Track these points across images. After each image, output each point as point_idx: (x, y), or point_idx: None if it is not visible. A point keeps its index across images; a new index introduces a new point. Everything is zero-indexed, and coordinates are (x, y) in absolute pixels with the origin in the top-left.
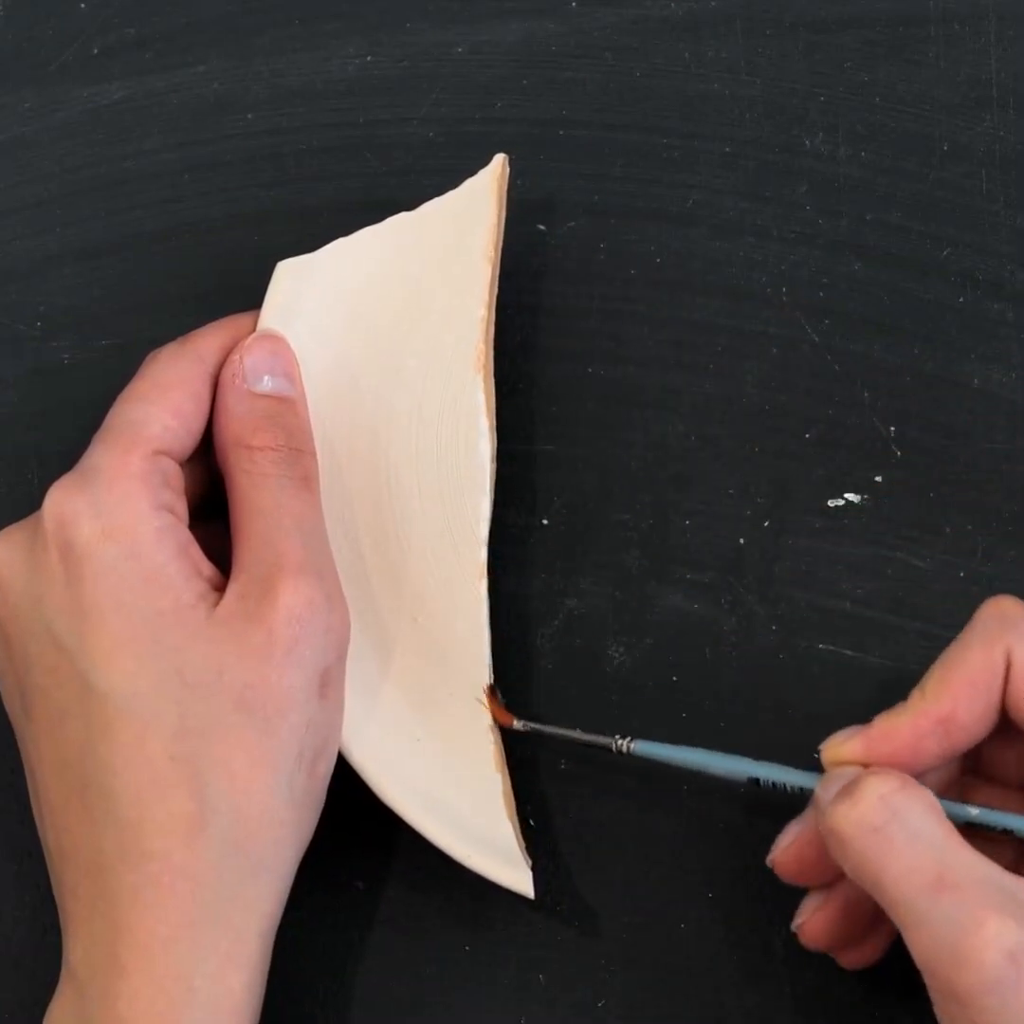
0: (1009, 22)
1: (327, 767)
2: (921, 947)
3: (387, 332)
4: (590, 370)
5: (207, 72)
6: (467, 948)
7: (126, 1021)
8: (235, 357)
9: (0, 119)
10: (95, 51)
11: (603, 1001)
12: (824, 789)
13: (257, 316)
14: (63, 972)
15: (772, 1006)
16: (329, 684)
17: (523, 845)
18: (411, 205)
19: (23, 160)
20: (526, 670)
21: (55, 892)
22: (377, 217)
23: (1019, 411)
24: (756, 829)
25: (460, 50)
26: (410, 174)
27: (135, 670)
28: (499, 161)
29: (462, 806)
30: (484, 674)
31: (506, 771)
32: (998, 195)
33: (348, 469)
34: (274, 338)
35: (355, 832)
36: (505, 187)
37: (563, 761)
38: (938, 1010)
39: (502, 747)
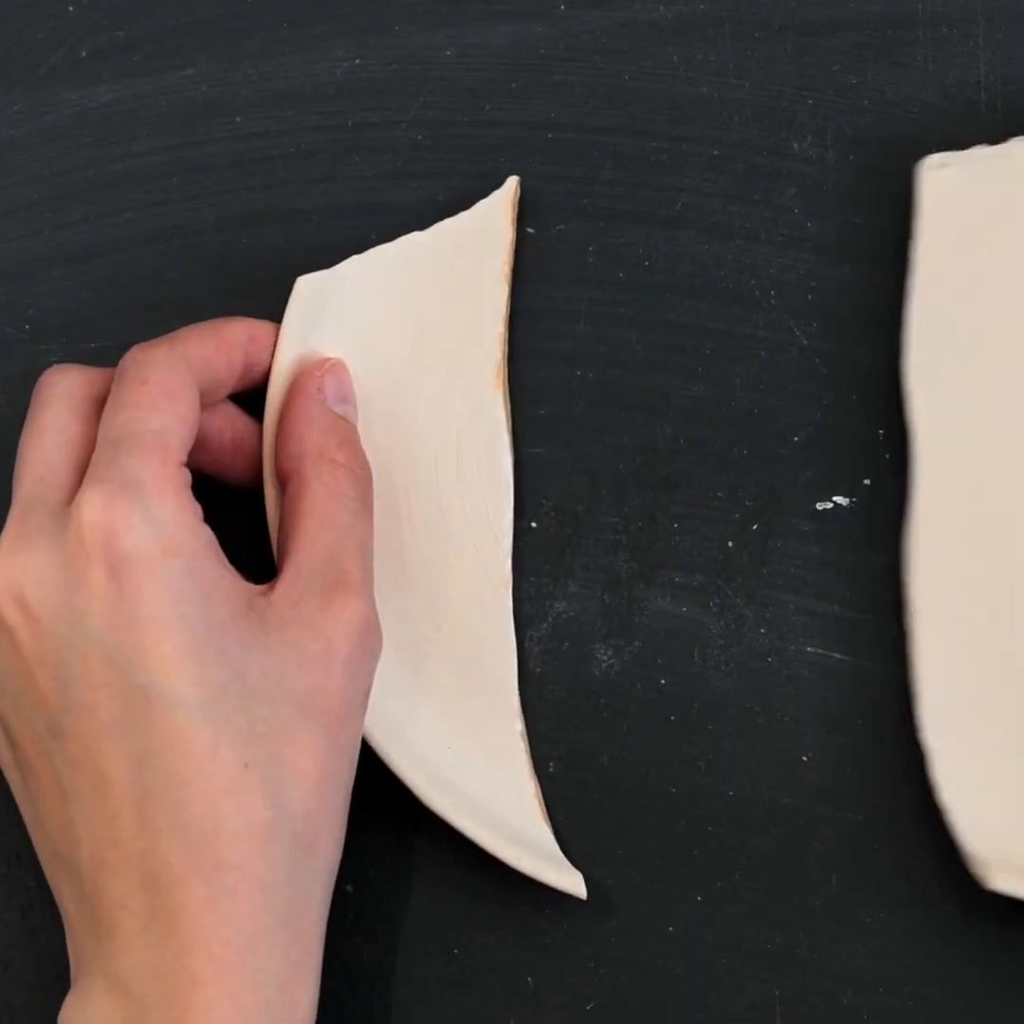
0: (997, 25)
1: None
2: None
3: (404, 349)
4: (579, 373)
5: (196, 75)
6: (456, 951)
7: None
8: (317, 372)
9: None
10: (83, 54)
11: (592, 1004)
12: None
13: (241, 323)
14: (97, 982)
15: (759, 1010)
16: (366, 705)
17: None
18: (400, 208)
19: (12, 163)
20: None
21: (86, 905)
22: (366, 220)
23: None
24: (744, 834)
25: (448, 53)
26: (399, 177)
27: (202, 678)
28: (512, 183)
29: (503, 810)
30: (512, 684)
31: (535, 777)
32: None
33: None
34: (346, 368)
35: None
36: (516, 208)
37: (552, 763)
38: None
39: (530, 753)
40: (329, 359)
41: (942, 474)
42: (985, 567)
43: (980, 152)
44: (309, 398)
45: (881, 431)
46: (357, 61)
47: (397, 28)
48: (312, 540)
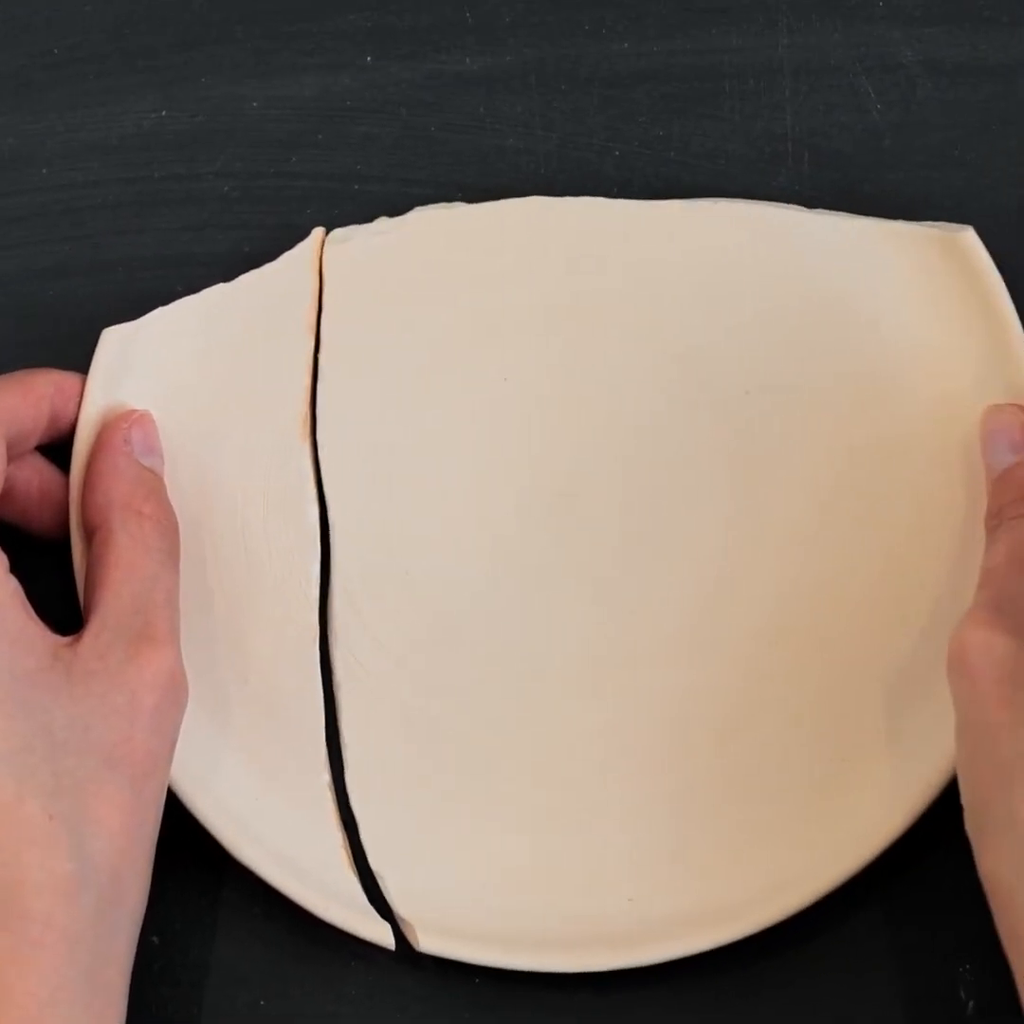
0: (803, 77)
1: None
2: None
3: (211, 400)
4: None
5: (1, 127)
6: (262, 1003)
7: None
8: (123, 424)
9: None
10: None
11: None
12: None
13: (48, 374)
14: None
15: None
16: (172, 756)
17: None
18: (206, 260)
19: None
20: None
21: None
22: (172, 272)
23: None
24: None
25: (255, 105)
26: (205, 229)
27: (8, 730)
28: (318, 235)
29: (310, 861)
30: (319, 735)
31: (342, 827)
32: None
33: None
34: (153, 420)
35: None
36: (321, 258)
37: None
38: None
39: (336, 805)
40: (135, 411)
41: (352, 539)
42: (400, 631)
43: (381, 224)
44: (115, 450)
45: None
46: (163, 113)
47: (203, 80)
48: (118, 592)
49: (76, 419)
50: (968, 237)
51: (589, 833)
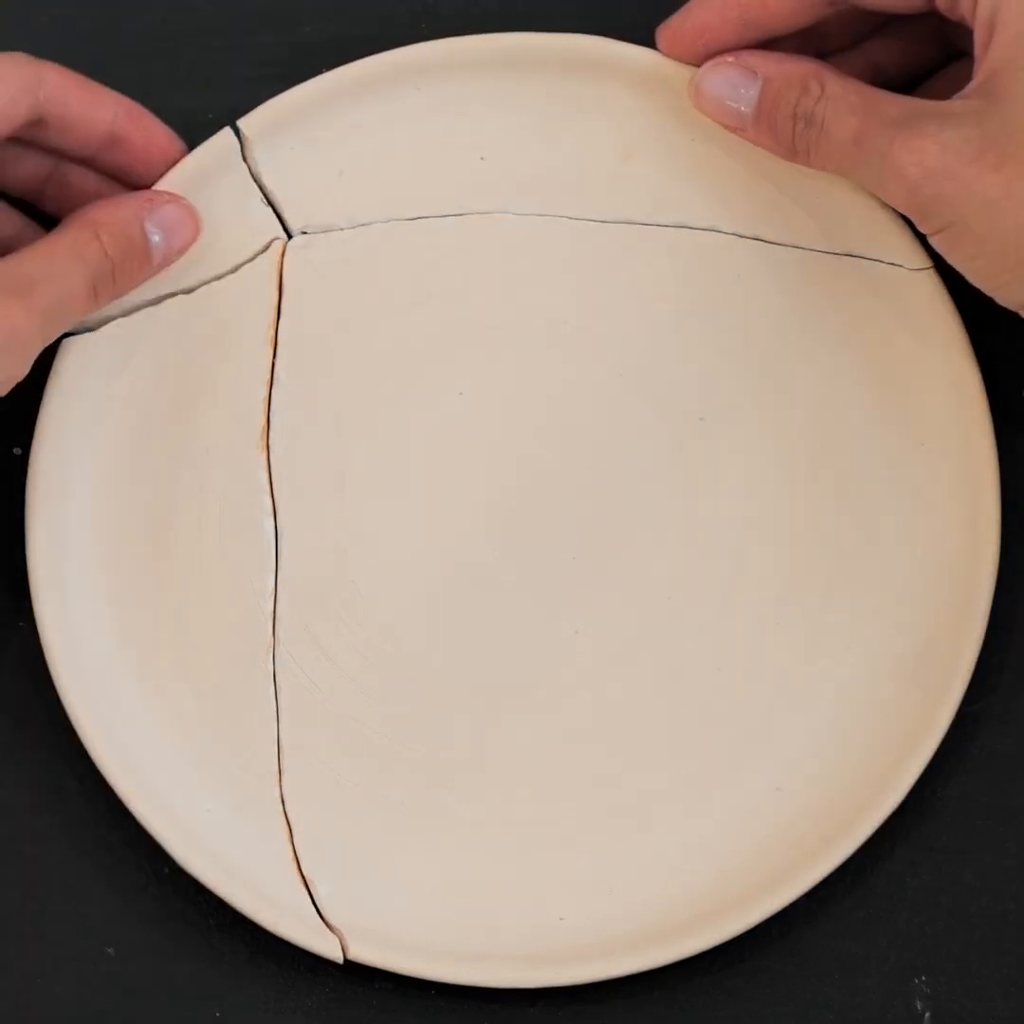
0: None
1: None
2: None
3: (167, 411)
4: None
5: None
6: (217, 1014)
7: None
8: (163, 195)
9: None
10: None
11: None
12: None
13: (118, 100)
14: None
15: None
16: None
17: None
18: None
19: None
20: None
21: None
22: None
23: None
24: None
25: (210, 116)
26: None
27: None
28: (278, 246)
29: (262, 875)
30: (271, 749)
31: (294, 842)
32: None
33: None
34: (193, 216)
35: (105, 898)
36: (281, 271)
37: None
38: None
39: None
40: (184, 201)
41: (300, 548)
42: (344, 641)
43: (342, 234)
44: (132, 196)
45: None
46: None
47: (159, 92)
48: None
49: (75, 119)
50: (928, 274)
51: (523, 851)
